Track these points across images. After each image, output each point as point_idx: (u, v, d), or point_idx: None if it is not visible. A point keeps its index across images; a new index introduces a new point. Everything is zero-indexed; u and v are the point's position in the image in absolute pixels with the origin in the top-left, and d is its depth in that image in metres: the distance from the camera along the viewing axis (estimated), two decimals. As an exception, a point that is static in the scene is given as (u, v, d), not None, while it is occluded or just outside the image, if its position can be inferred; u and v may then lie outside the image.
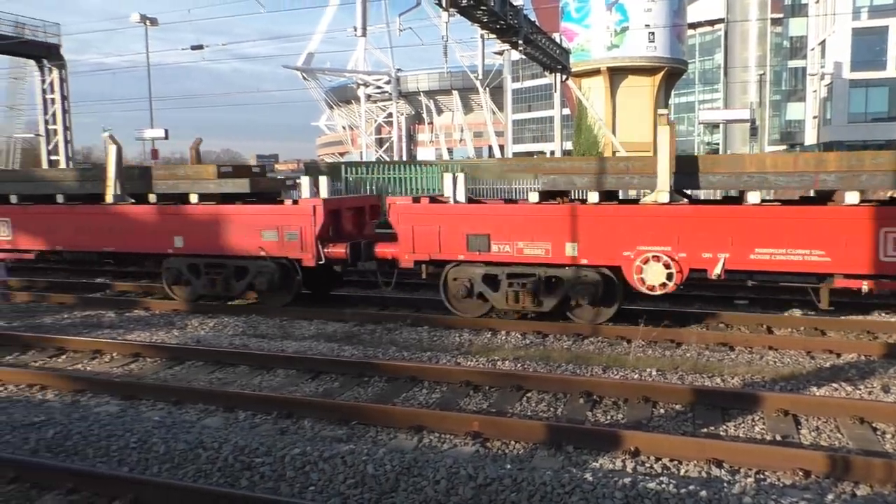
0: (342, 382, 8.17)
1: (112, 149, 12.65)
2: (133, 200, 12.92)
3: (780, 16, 59.87)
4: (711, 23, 63.91)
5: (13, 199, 13.77)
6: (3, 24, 32.54)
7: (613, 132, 38.46)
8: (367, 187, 24.78)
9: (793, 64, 59.06)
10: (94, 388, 7.93)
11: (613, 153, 36.63)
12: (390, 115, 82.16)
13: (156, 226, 12.43)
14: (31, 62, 35.99)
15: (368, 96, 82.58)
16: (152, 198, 12.77)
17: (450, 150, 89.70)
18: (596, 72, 40.68)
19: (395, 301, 12.61)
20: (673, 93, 47.12)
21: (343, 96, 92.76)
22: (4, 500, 5.28)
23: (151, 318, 11.88)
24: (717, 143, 59.19)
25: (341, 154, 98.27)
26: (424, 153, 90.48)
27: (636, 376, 8.05)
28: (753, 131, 44.05)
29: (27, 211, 13.57)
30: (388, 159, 68.25)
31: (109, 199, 12.71)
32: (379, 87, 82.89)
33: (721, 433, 6.46)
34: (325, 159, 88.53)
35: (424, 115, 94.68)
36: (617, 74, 40.50)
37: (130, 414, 7.05)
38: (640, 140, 38.97)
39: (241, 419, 6.98)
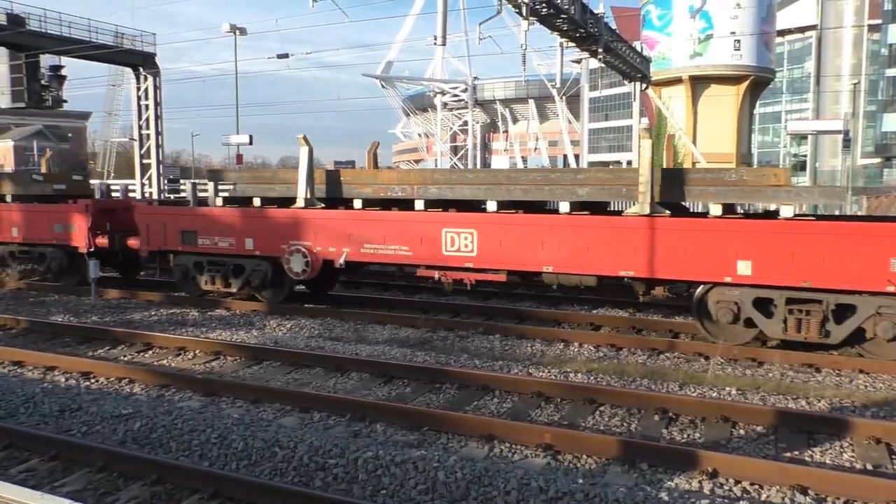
0: (414, 388, 8.24)
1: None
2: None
3: (879, 22, 56.93)
4: (802, 30, 61.41)
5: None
6: (104, 34, 34.42)
7: (694, 142, 37.44)
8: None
9: (891, 72, 56.05)
10: (178, 383, 8.26)
11: (694, 164, 35.65)
12: (466, 123, 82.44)
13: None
14: (129, 70, 37.89)
15: (445, 104, 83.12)
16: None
17: (524, 159, 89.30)
18: (677, 80, 39.68)
19: (466, 308, 12.64)
20: (758, 102, 45.49)
21: (420, 104, 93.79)
22: (94, 488, 5.55)
23: (232, 317, 12.29)
24: (805, 156, 56.82)
25: (416, 161, 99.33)
26: (498, 161, 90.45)
27: (714, 394, 7.79)
28: (846, 143, 41.97)
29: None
30: (461, 167, 68.51)
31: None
32: (455, 96, 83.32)
33: (806, 459, 6.18)
34: (401, 166, 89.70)
35: (500, 124, 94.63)
36: (699, 83, 39.38)
37: (211, 410, 7.31)
38: (723, 151, 37.81)
39: (316, 420, 7.13)
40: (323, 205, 12.37)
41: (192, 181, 14.44)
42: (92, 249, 14.40)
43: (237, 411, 7.33)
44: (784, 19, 54.01)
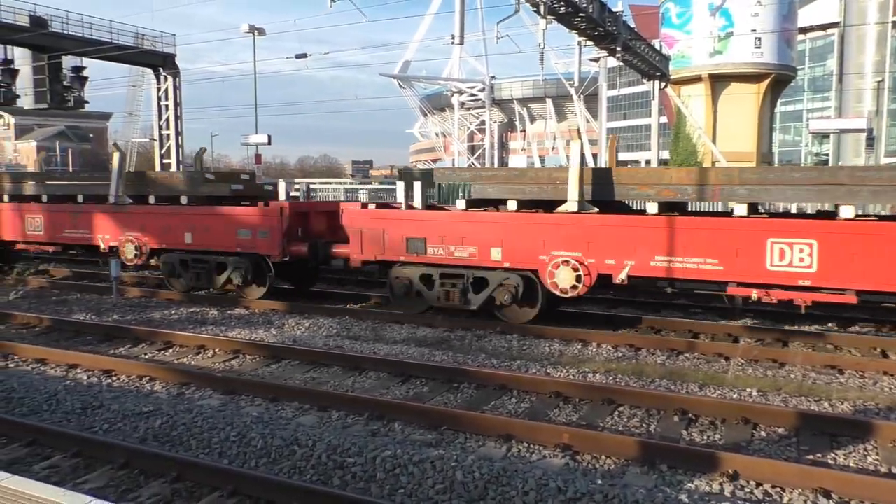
0: (432, 387, 8.24)
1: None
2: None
3: (902, 18, 56.07)
4: (824, 27, 60.61)
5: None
6: (124, 35, 34.81)
7: (714, 141, 37.13)
8: (460, 193, 24.99)
9: (915, 70, 55.17)
10: (198, 381, 8.33)
11: (713, 163, 35.37)
12: (483, 122, 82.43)
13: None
14: (149, 71, 38.30)
15: (462, 104, 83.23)
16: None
17: (541, 158, 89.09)
18: (697, 79, 39.43)
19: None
20: (779, 101, 45.03)
21: (437, 104, 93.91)
22: (115, 485, 5.61)
23: (251, 316, 12.37)
24: (827, 154, 56.11)
25: (434, 161, 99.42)
26: (516, 161, 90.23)
27: (735, 396, 7.72)
28: (870, 141, 41.39)
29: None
30: (479, 166, 68.47)
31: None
32: (473, 95, 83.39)
33: (829, 461, 6.10)
34: (418, 165, 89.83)
35: (517, 123, 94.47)
36: (719, 82, 39.10)
37: (231, 408, 7.36)
38: (742, 150, 37.48)
39: (335, 418, 7.15)
40: (596, 208, 10.84)
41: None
42: (286, 258, 12.88)
43: (256, 409, 7.37)
44: (806, 16, 53.36)
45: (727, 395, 7.75)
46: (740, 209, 9.98)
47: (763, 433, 6.72)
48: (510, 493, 5.22)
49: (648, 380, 8.34)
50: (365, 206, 12.90)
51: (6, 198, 16.77)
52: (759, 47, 38.05)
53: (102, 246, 14.80)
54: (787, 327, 10.97)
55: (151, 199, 14.80)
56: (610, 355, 9.65)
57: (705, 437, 6.68)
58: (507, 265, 11.01)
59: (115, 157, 15.13)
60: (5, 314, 12.08)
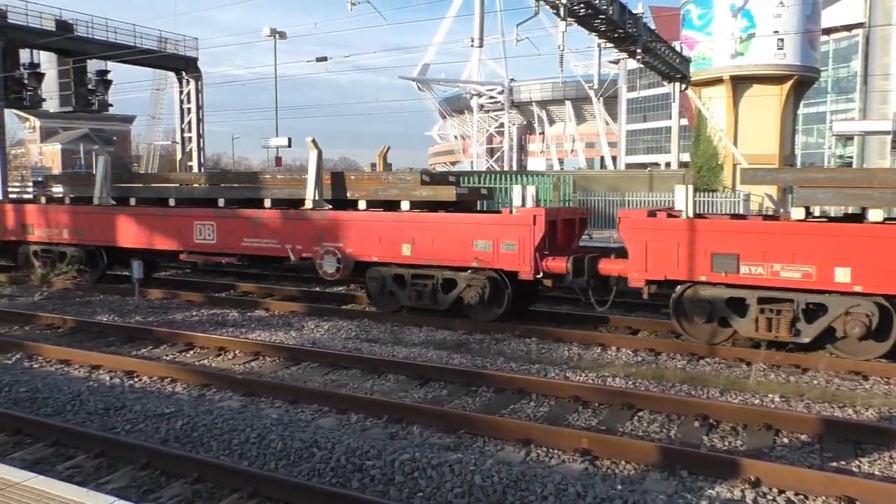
0: (450, 390, 8.24)
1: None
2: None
3: (928, 19, 55.22)
4: (849, 27, 59.86)
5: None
6: (148, 38, 35.22)
7: (735, 143, 36.78)
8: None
9: (941, 71, 54.29)
10: (218, 383, 8.39)
11: (734, 165, 35.03)
12: (502, 124, 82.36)
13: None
14: (172, 74, 38.70)
15: (481, 106, 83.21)
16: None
17: (560, 161, 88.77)
18: (718, 80, 39.03)
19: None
20: (802, 102, 44.49)
21: (456, 106, 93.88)
22: (137, 485, 5.67)
23: (271, 318, 12.44)
24: (851, 157, 55.39)
25: (452, 163, 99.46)
26: (535, 163, 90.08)
27: (757, 401, 7.64)
28: (895, 144, 40.74)
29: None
30: (497, 169, 68.39)
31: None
32: (492, 98, 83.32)
33: (853, 469, 6.01)
34: (437, 168, 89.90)
35: (536, 125, 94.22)
36: (741, 83, 38.68)
37: (251, 410, 7.41)
38: (764, 152, 37.07)
39: (353, 421, 7.17)
40: None
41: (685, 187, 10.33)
42: (539, 275, 11.16)
43: (276, 412, 7.41)
44: (830, 17, 52.74)
45: (749, 400, 7.67)
46: None
47: (785, 439, 6.65)
48: (529, 497, 5.20)
49: (669, 384, 8.28)
50: (653, 213, 10.79)
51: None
52: (782, 48, 37.61)
53: (293, 258, 13.05)
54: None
55: (362, 205, 13.02)
56: (629, 359, 9.59)
57: (726, 443, 6.61)
58: (857, 289, 9.00)
59: (309, 161, 13.28)
60: (30, 315, 12.27)
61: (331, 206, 13.24)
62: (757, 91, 38.45)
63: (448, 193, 12.39)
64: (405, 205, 12.47)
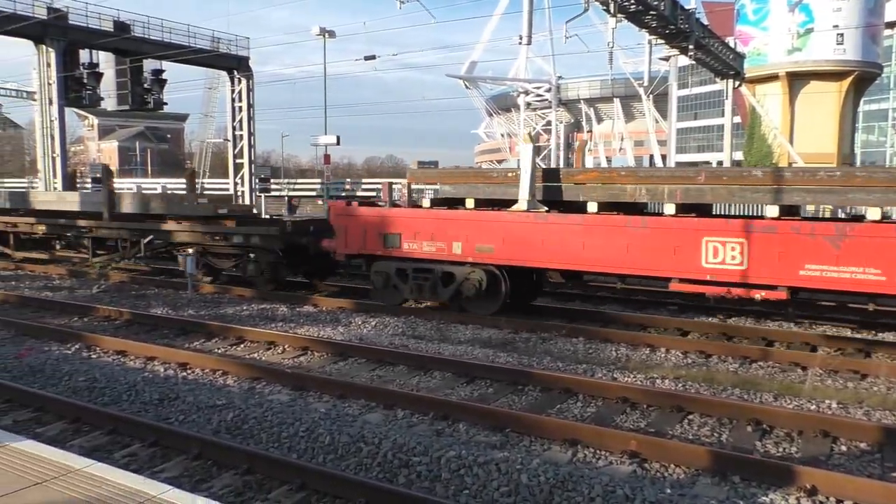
0: (496, 389, 8.21)
1: None
2: None
3: None
4: (913, 21, 57.57)
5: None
6: (201, 38, 36.04)
7: (791, 141, 35.79)
8: None
9: None
10: (268, 376, 8.53)
11: (790, 164, 34.08)
12: (549, 122, 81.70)
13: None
14: (224, 73, 39.52)
15: (528, 104, 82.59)
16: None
17: (608, 159, 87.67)
18: (773, 77, 38.06)
19: (549, 311, 12.50)
20: (863, 99, 43.04)
21: (503, 104, 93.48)
22: (189, 475, 5.80)
23: (319, 314, 12.60)
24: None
25: (499, 162, 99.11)
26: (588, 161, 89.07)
27: (813, 407, 7.41)
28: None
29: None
30: (544, 167, 67.92)
31: None
32: (539, 95, 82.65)
33: (916, 480, 5.78)
34: (483, 166, 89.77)
35: (584, 124, 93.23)
36: (797, 80, 37.64)
37: (300, 404, 7.51)
38: (822, 150, 35.98)
39: (400, 417, 7.20)
40: None
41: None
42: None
43: (324, 406, 7.49)
44: (893, 10, 50.76)
45: (804, 406, 7.45)
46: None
47: (843, 447, 6.43)
48: (576, 498, 5.15)
49: (720, 388, 8.09)
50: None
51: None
52: (842, 44, 36.44)
53: None
54: (869, 336, 10.47)
55: None
56: (679, 361, 9.41)
57: (781, 450, 6.43)
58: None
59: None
60: (89, 307, 12.68)
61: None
62: (814, 88, 37.35)
63: None
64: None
